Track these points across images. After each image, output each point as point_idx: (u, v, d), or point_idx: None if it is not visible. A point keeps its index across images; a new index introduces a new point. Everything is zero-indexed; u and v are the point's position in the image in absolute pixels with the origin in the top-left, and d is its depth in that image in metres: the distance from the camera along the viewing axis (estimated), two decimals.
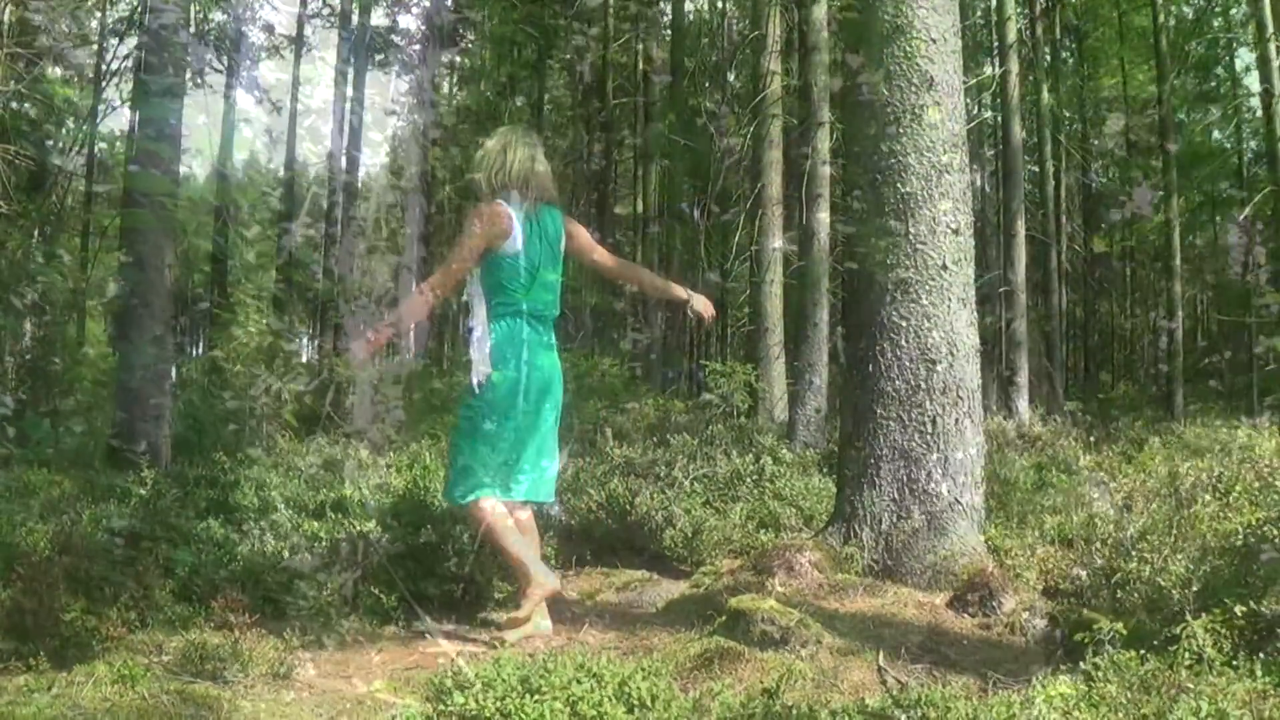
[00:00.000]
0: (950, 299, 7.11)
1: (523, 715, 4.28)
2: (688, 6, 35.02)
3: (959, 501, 7.02)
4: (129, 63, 33.18)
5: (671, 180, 34.96)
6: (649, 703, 4.45)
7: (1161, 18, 31.84)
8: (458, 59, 48.77)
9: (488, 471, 6.61)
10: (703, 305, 6.94)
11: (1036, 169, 32.27)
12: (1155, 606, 5.37)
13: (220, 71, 38.57)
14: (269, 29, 40.87)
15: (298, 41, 39.99)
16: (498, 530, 6.54)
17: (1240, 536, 5.51)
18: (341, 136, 37.42)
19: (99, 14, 30.56)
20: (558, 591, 6.59)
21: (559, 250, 6.71)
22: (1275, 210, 27.16)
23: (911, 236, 7.10)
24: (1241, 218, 32.25)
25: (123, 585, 6.49)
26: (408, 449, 12.70)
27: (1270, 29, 25.37)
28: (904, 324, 7.09)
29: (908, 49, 7.21)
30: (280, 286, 39.14)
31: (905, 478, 7.04)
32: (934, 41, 7.23)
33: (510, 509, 6.65)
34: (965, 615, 6.35)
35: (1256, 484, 7.41)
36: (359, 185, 40.66)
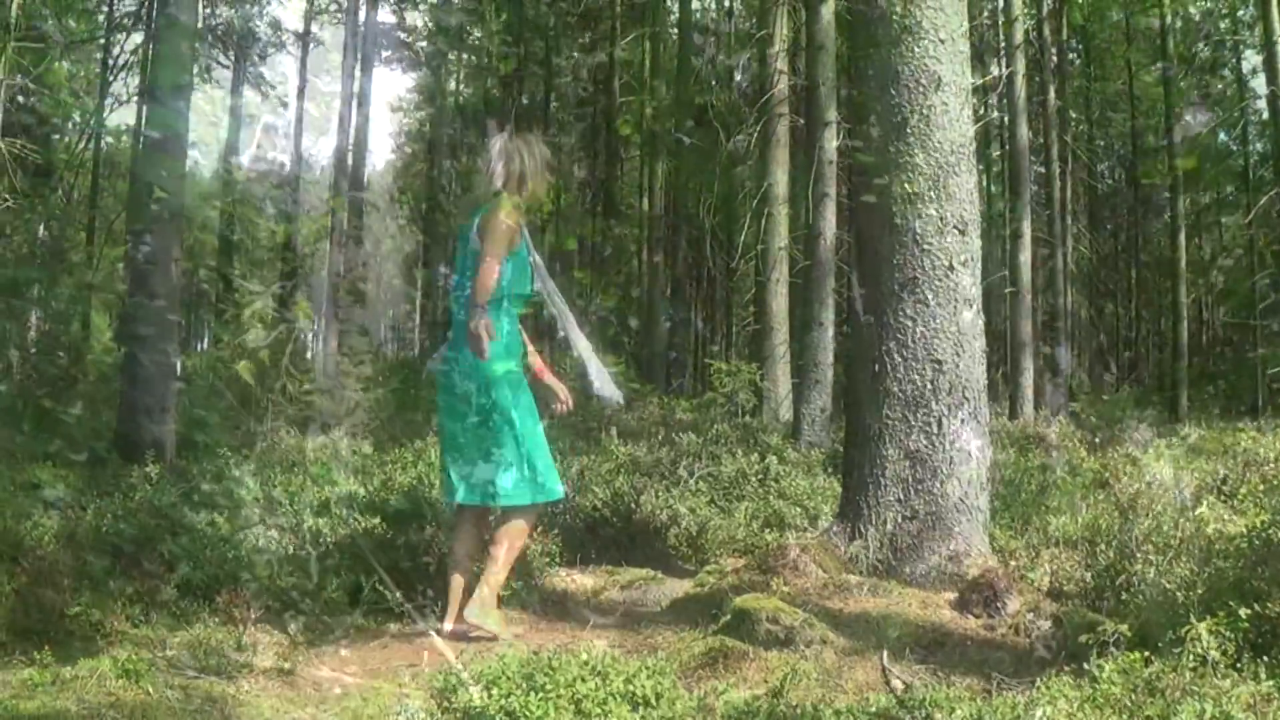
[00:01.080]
0: (956, 299, 7.10)
1: (527, 712, 4.28)
2: (694, 5, 35.04)
3: (964, 502, 7.01)
4: (135, 57, 33.27)
5: (678, 178, 34.97)
6: (653, 701, 4.45)
7: (1168, 19, 31.83)
8: (464, 55, 48.86)
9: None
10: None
11: (1043, 170, 32.26)
12: (1160, 609, 5.36)
13: (227, 67, 38.65)
14: (275, 25, 40.97)
15: (304, 37, 40.04)
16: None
17: (1245, 539, 5.51)
18: (347, 133, 37.42)
19: (105, 8, 30.63)
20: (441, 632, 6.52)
21: (467, 257, 6.68)
22: None
23: (918, 236, 7.10)
24: (1247, 220, 32.27)
25: (127, 580, 6.50)
26: (412, 445, 12.70)
27: (1278, 31, 25.37)
28: (910, 324, 7.08)
29: (916, 49, 7.20)
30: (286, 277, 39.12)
31: (910, 478, 7.04)
32: (942, 42, 7.22)
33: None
34: (970, 616, 6.34)
35: (1261, 486, 7.40)
36: (364, 181, 40.70)
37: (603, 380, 6.97)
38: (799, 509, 9.65)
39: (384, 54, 44.93)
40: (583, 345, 7.00)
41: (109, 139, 38.97)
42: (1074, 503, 9.18)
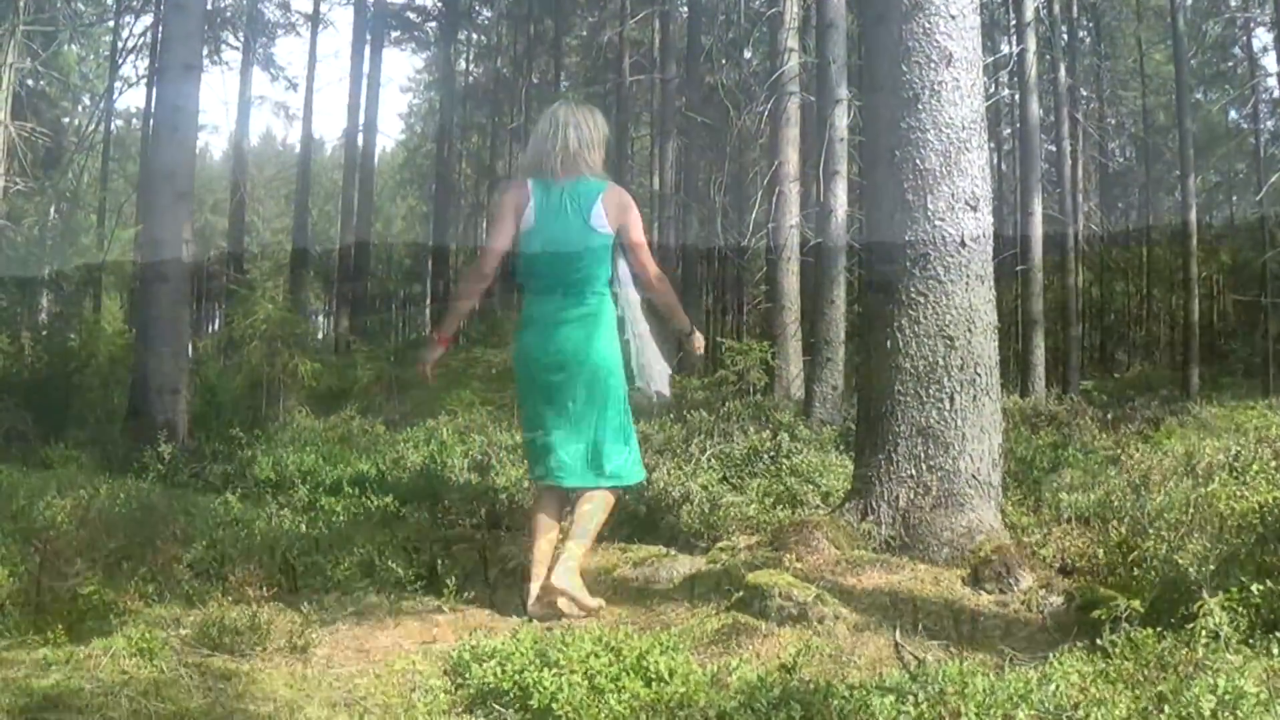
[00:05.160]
0: (968, 275, 7.08)
1: (541, 688, 4.29)
2: None
3: (976, 478, 7.01)
4: (145, 40, 33.29)
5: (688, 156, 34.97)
6: (667, 677, 4.46)
7: None
8: (474, 35, 48.85)
9: (531, 451, 6.85)
10: (699, 344, 7.20)
11: (1053, 148, 32.21)
12: (1172, 584, 5.36)
13: (236, 48, 38.65)
14: (285, 5, 40.93)
15: (314, 18, 40.01)
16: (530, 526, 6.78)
17: (1257, 515, 5.51)
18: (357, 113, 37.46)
19: None
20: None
21: (588, 223, 6.66)
22: None
23: (930, 213, 7.08)
24: (1258, 198, 32.24)
25: (140, 559, 6.52)
26: (423, 424, 12.70)
27: None
28: (922, 300, 7.06)
29: (926, 25, 7.18)
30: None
31: (923, 454, 7.03)
32: (953, 18, 7.20)
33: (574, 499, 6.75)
34: (982, 592, 6.34)
35: (1273, 463, 7.40)
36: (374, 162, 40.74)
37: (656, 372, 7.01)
38: (811, 486, 9.63)
39: (393, 34, 44.98)
40: (642, 327, 7.03)
41: (119, 121, 39.04)
42: (1086, 479, 9.19)
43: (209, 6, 32.19)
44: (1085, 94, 39.85)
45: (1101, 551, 6.56)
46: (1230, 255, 43.61)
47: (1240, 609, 4.79)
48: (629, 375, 6.89)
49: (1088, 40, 41.05)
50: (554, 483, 6.67)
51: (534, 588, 6.49)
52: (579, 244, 6.63)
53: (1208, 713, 3.76)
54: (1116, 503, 7.35)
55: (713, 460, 10.29)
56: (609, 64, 39.78)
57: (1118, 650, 4.58)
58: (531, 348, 6.67)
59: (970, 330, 7.05)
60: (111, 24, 35.76)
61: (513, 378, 6.76)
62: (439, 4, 44.71)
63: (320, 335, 44.73)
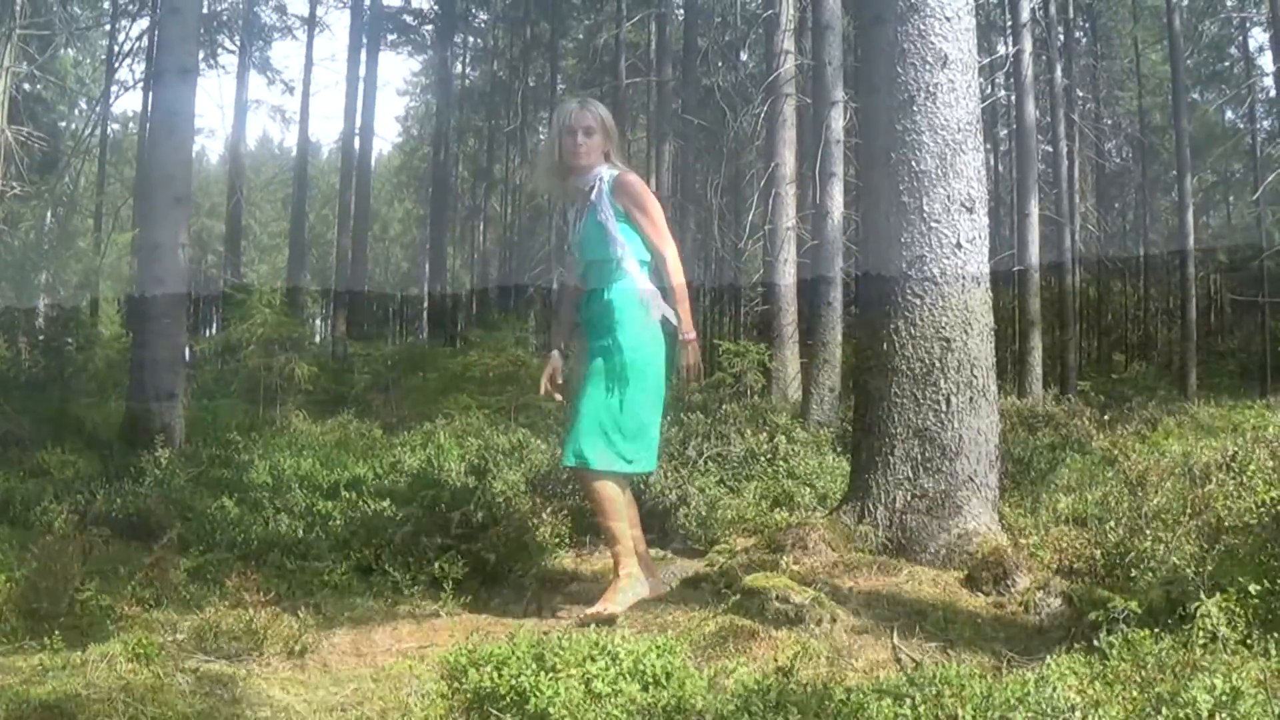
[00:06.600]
0: (964, 277, 7.08)
1: (537, 692, 4.28)
2: None
3: (973, 480, 7.00)
4: (141, 44, 33.26)
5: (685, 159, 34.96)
6: (664, 680, 4.46)
7: None
8: (470, 38, 48.81)
9: (653, 440, 6.86)
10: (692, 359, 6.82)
11: (1050, 149, 32.20)
12: (1169, 585, 5.35)
13: (232, 52, 38.65)
14: (281, 9, 40.91)
15: (310, 22, 39.97)
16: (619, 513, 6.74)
17: (1254, 515, 5.50)
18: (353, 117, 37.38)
19: None
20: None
21: None
22: None
23: (926, 214, 7.08)
24: (1254, 198, 32.26)
25: (137, 564, 6.51)
26: (420, 427, 12.68)
27: None
28: (918, 302, 7.06)
29: (922, 27, 7.17)
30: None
31: (919, 456, 7.02)
32: (948, 19, 7.20)
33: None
34: (979, 594, 6.34)
35: (1270, 463, 7.39)
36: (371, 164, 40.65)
37: None
38: (808, 488, 9.64)
39: (389, 37, 45.01)
40: None
41: (116, 125, 39.04)
42: (1083, 480, 9.19)
43: (205, 10, 32.23)
44: (1082, 95, 39.83)
45: (1099, 553, 6.56)
46: (1227, 255, 43.66)
47: (1238, 610, 4.78)
48: None
49: (1084, 41, 41.05)
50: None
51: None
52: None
53: (1205, 714, 3.75)
54: (1114, 504, 7.35)
55: (710, 462, 10.28)
56: (605, 67, 39.76)
57: (1115, 652, 4.57)
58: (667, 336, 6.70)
59: (967, 332, 7.05)
60: (107, 28, 35.80)
61: (629, 372, 6.62)
62: (435, 7, 44.73)
63: (317, 339, 44.73)
